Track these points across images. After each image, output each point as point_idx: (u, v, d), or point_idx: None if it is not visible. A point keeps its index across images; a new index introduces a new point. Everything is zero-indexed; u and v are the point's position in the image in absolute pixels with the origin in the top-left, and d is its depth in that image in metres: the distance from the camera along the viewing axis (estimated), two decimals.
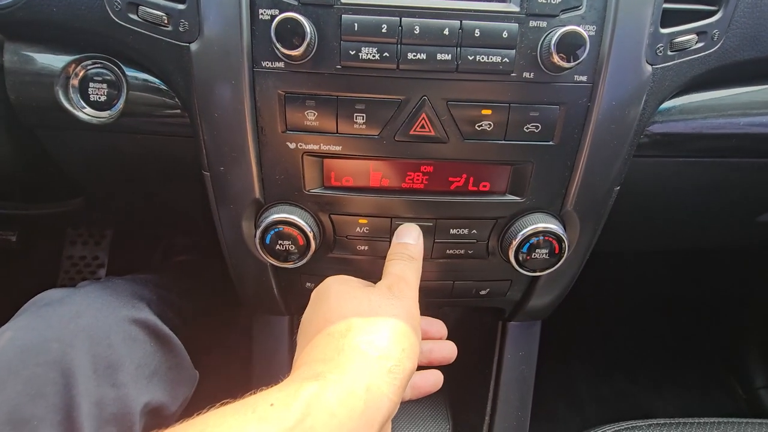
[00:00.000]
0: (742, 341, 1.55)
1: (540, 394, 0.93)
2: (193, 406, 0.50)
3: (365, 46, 0.53)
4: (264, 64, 0.55)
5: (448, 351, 0.68)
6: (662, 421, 0.85)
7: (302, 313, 0.58)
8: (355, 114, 0.57)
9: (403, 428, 0.95)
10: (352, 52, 0.53)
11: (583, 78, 0.57)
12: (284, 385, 0.45)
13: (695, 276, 1.66)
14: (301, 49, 0.52)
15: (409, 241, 0.63)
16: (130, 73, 0.65)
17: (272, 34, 0.51)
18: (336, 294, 0.55)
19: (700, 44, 0.62)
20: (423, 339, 0.68)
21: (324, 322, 0.52)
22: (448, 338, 0.70)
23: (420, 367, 0.68)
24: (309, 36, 0.51)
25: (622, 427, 0.83)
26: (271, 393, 0.44)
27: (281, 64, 0.55)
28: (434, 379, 0.67)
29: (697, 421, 0.85)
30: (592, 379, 1.50)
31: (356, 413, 0.43)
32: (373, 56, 0.53)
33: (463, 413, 0.95)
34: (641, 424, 0.84)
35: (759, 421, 0.82)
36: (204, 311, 1.01)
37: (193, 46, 0.56)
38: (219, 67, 0.56)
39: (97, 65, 0.65)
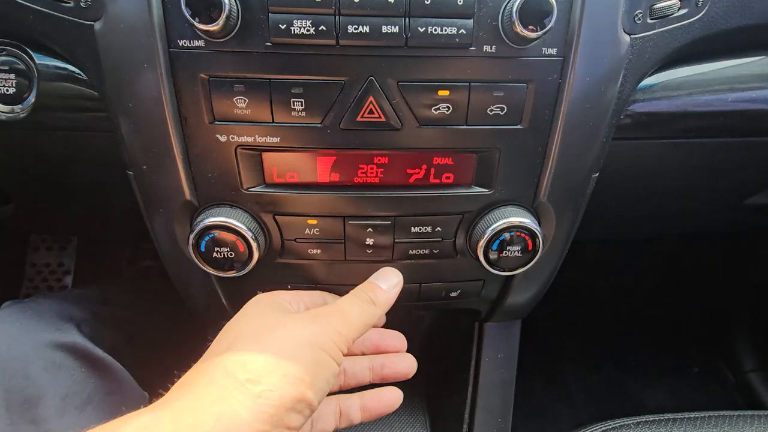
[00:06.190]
0: (731, 326, 1.53)
1: (527, 387, 0.88)
2: None
3: (297, 19, 0.46)
4: (181, 43, 0.47)
5: (405, 366, 0.62)
6: (651, 418, 0.81)
7: None
8: (293, 99, 0.50)
9: None
10: (283, 26, 0.46)
11: (553, 51, 0.50)
12: (119, 421, 0.41)
13: (682, 262, 1.63)
14: (220, 23, 0.44)
15: (381, 284, 0.57)
16: (42, 61, 0.57)
17: (183, 6, 0.43)
18: (247, 314, 0.52)
19: (683, 11, 0.56)
20: (376, 353, 0.63)
21: (216, 342, 0.49)
22: (423, 343, 0.64)
23: (374, 385, 0.62)
24: (227, 6, 0.43)
25: (610, 427, 0.79)
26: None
27: (201, 43, 0.47)
28: (389, 398, 0.60)
29: (687, 416, 0.82)
30: (581, 369, 1.47)
31: None
32: (308, 30, 0.46)
33: (441, 421, 0.90)
34: (629, 422, 0.80)
35: (751, 413, 0.78)
36: (158, 324, 0.92)
37: (98, 25, 0.49)
38: (129, 48, 0.48)
39: (3, 53, 0.57)
